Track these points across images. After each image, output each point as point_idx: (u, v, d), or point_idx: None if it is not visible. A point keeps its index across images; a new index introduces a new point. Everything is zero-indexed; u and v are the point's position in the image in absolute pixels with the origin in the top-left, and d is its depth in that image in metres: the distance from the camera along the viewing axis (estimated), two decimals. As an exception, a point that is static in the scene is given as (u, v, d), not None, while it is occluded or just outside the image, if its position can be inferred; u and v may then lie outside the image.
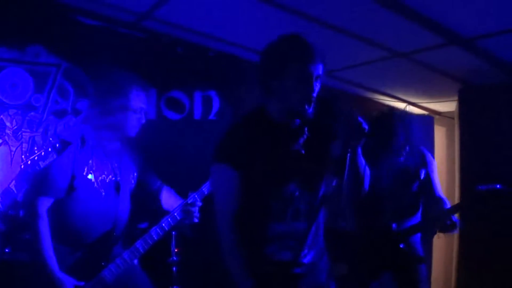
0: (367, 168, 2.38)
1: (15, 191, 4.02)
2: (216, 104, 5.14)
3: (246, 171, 2.23)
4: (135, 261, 3.47)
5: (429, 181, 3.77)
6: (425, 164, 3.78)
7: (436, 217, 3.54)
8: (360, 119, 2.22)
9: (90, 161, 2.96)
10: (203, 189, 3.22)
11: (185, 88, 4.97)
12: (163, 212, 3.30)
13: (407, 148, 3.72)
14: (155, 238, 3.11)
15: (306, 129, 2.32)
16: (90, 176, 2.94)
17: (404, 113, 3.90)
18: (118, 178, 3.07)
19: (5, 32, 4.09)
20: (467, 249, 5.15)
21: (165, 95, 4.87)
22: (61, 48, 4.32)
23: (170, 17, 4.34)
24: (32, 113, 4.28)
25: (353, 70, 5.19)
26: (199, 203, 3.20)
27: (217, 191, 2.32)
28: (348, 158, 2.23)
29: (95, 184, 2.97)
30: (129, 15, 4.39)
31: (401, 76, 5.24)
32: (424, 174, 3.77)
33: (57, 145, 2.84)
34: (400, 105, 6.15)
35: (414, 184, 3.75)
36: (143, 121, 3.18)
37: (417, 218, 3.80)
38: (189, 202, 3.18)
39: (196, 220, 3.19)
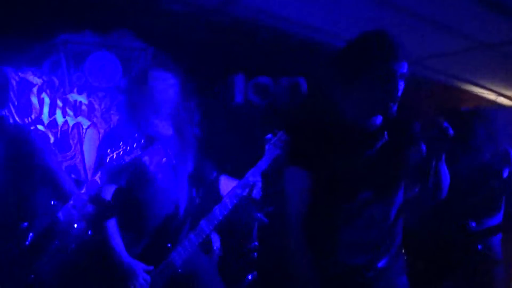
0: (447, 174, 2.27)
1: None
2: (303, 91, 5.06)
3: (318, 172, 2.14)
4: (215, 247, 3.43)
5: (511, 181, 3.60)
6: (509, 162, 3.60)
7: None
8: (445, 124, 2.11)
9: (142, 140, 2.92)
10: (260, 165, 3.11)
11: (272, 74, 4.91)
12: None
13: (490, 146, 3.58)
14: (220, 217, 2.99)
15: (386, 132, 2.20)
16: (145, 159, 2.90)
17: (486, 111, 3.76)
18: (174, 162, 3.02)
19: (91, 16, 4.15)
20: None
21: (252, 80, 4.84)
22: (147, 33, 4.37)
23: (253, 2, 4.30)
24: (121, 96, 4.35)
25: (442, 60, 5.01)
26: (258, 180, 3.11)
27: (289, 190, 2.25)
28: (433, 165, 2.13)
29: (151, 167, 2.92)
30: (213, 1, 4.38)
31: (490, 67, 5.02)
32: (508, 173, 3.59)
33: (142, 141, 2.80)
34: (491, 96, 5.94)
35: (496, 183, 3.59)
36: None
37: (498, 218, 3.62)
38: (248, 179, 3.09)
39: (257, 196, 3.10)
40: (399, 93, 2.11)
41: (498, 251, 3.61)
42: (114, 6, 4.18)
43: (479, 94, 5.88)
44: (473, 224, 3.51)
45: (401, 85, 2.11)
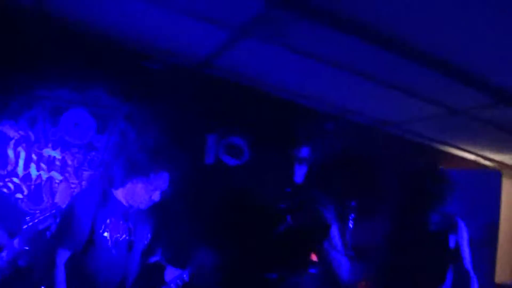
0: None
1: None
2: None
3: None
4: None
5: (458, 251, 3.54)
6: (457, 231, 3.56)
7: None
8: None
9: (108, 220, 3.05)
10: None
11: (245, 134, 5.00)
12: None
13: (439, 213, 3.55)
14: None
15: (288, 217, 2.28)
16: (106, 234, 3.01)
17: (444, 174, 3.70)
18: (132, 238, 3.13)
19: (68, 74, 4.30)
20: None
21: (224, 140, 4.93)
22: (123, 91, 4.49)
23: (230, 65, 4.42)
24: (93, 153, 4.47)
25: (420, 124, 5.10)
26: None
27: None
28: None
29: (109, 243, 3.03)
30: (190, 62, 4.50)
31: (463, 131, 5.07)
32: (454, 243, 3.55)
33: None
34: (469, 156, 5.97)
35: (442, 251, 3.55)
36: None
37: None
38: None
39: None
40: (299, 177, 2.19)
41: None
42: (92, 64, 4.33)
43: (460, 155, 5.93)
44: None
45: (301, 169, 2.20)
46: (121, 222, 3.12)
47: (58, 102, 4.39)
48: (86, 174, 4.42)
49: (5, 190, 4.21)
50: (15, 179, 4.27)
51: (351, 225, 3.74)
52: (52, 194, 4.34)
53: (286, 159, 4.33)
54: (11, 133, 4.29)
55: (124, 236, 3.10)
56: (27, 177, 4.32)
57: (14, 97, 4.28)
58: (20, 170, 4.29)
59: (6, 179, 4.23)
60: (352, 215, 3.78)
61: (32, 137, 4.34)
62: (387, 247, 3.50)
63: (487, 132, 4.94)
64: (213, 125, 4.83)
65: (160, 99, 4.50)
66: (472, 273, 3.52)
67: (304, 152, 2.24)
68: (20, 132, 4.32)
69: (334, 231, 2.54)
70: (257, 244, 2.26)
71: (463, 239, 3.57)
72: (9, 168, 4.28)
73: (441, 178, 3.61)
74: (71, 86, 4.41)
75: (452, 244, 3.54)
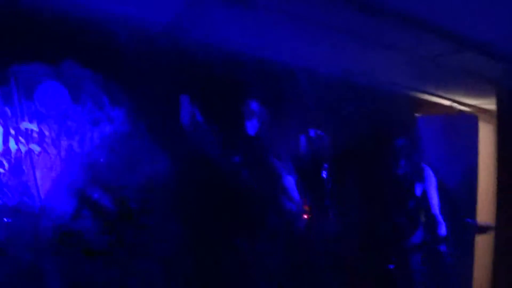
0: None
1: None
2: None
3: None
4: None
5: (426, 198, 3.61)
6: (423, 180, 3.61)
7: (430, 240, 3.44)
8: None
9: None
10: None
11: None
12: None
13: (403, 162, 3.60)
14: None
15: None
16: None
17: (401, 124, 3.74)
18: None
19: (39, 48, 4.39)
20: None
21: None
22: (94, 62, 4.58)
23: (196, 28, 4.50)
24: (69, 123, 4.59)
25: (390, 72, 5.16)
26: None
27: None
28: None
29: None
30: (158, 28, 4.58)
31: (433, 77, 5.14)
32: (421, 191, 3.61)
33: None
34: (445, 103, 6.03)
35: (409, 200, 3.61)
36: None
37: (417, 237, 3.63)
38: None
39: None
40: (251, 130, 2.27)
41: (415, 270, 3.65)
42: (62, 36, 4.42)
43: (436, 102, 5.99)
44: (389, 244, 3.53)
45: (252, 123, 2.28)
46: None
47: (31, 76, 4.49)
48: (64, 143, 4.55)
49: (-15, 165, 4.36)
50: (-6, 155, 4.42)
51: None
52: (33, 165, 4.48)
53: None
54: (-13, 110, 4.42)
55: None
56: (6, 151, 4.44)
57: (-14, 73, 4.41)
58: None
59: (-16, 155, 4.38)
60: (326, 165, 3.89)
61: (9, 112, 4.46)
62: (356, 199, 3.59)
63: (458, 78, 5.01)
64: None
65: (131, 66, 4.59)
66: (439, 218, 3.57)
67: (254, 106, 2.30)
68: (-4, 107, 4.45)
69: (290, 183, 2.62)
70: (216, 205, 2.35)
71: (430, 186, 3.63)
72: (-14, 144, 4.42)
73: (406, 126, 3.68)
74: (43, 60, 4.51)
75: (419, 192, 3.59)
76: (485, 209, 5.77)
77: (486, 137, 5.97)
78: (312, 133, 4.44)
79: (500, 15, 3.43)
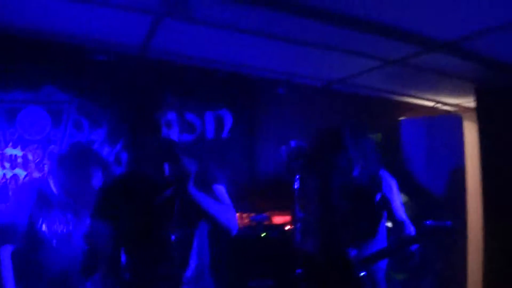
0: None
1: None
2: (228, 122, 5.38)
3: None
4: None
5: (387, 203, 3.54)
6: (381, 186, 3.55)
7: (396, 245, 3.41)
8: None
9: (44, 212, 3.19)
10: None
11: (196, 110, 5.22)
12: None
13: (358, 168, 3.52)
14: None
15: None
16: (43, 227, 3.17)
17: (355, 129, 3.67)
18: (71, 229, 3.28)
19: (19, 76, 4.55)
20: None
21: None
22: (72, 85, 4.73)
23: (167, 46, 4.60)
24: (52, 146, 4.74)
25: (364, 78, 5.20)
26: None
27: None
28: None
29: (47, 234, 3.18)
30: (131, 49, 4.69)
31: (411, 80, 5.17)
32: (380, 197, 3.54)
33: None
34: (428, 104, 6.05)
35: (368, 207, 3.56)
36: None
37: (380, 243, 3.59)
38: None
39: None
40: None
41: (381, 278, 3.59)
42: (40, 64, 4.58)
43: (418, 104, 6.02)
44: (353, 252, 3.39)
45: (172, 132, 2.36)
46: (59, 213, 3.26)
47: (12, 103, 4.65)
48: (47, 167, 4.69)
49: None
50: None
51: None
52: (18, 190, 4.62)
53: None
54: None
55: (62, 227, 3.26)
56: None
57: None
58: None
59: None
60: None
61: (-8, 140, 4.63)
62: (318, 204, 3.61)
63: (433, 78, 5.03)
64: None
65: (108, 88, 4.72)
66: (406, 222, 3.52)
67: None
68: (-20, 136, 4.61)
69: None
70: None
71: (390, 191, 3.56)
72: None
73: (358, 133, 3.62)
74: (23, 87, 4.67)
75: (377, 198, 3.55)
76: (474, 209, 5.77)
77: (472, 136, 5.97)
78: (292, 143, 4.49)
79: (464, 13, 3.46)
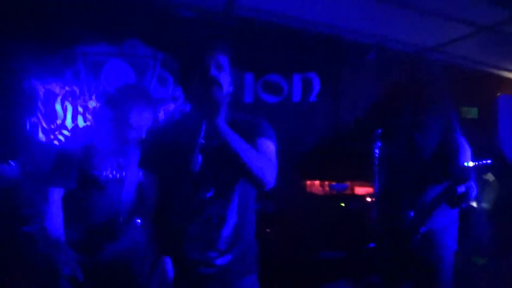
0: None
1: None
2: (316, 86, 5.17)
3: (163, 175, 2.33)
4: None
5: (453, 148, 3.28)
6: (455, 152, 3.30)
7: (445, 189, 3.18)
8: None
9: (96, 157, 3.06)
10: None
11: (283, 71, 5.04)
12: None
13: (425, 133, 3.30)
14: None
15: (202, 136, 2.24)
16: (96, 172, 3.05)
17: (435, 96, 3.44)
18: (123, 174, 3.17)
19: (105, 28, 4.51)
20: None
21: (261, 78, 5.01)
22: (157, 40, 4.64)
23: (252, 3, 4.44)
24: (134, 101, 4.68)
25: (459, 46, 4.88)
26: None
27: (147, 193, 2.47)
28: None
29: (99, 180, 3.06)
30: (217, 5, 4.56)
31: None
32: (448, 139, 3.30)
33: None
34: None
35: (436, 172, 3.32)
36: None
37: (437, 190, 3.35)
38: None
39: None
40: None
41: (447, 257, 3.36)
42: (125, 15, 4.52)
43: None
44: (411, 213, 3.33)
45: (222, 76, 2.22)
46: (112, 158, 3.15)
47: (97, 56, 4.62)
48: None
49: (56, 142, 4.54)
50: (65, 132, 4.59)
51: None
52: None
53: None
54: (57, 89, 4.60)
55: (115, 172, 3.15)
56: (75, 128, 4.62)
57: (56, 54, 4.58)
58: (68, 123, 4.60)
59: (56, 132, 4.56)
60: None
61: (77, 91, 4.62)
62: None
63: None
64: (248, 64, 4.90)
65: (192, 45, 4.60)
66: (468, 168, 3.27)
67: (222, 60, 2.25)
68: (66, 87, 4.61)
69: None
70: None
71: (463, 157, 3.34)
72: (59, 121, 4.60)
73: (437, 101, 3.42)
74: (108, 40, 4.63)
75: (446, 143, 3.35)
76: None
77: None
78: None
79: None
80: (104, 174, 3.10)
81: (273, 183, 2.21)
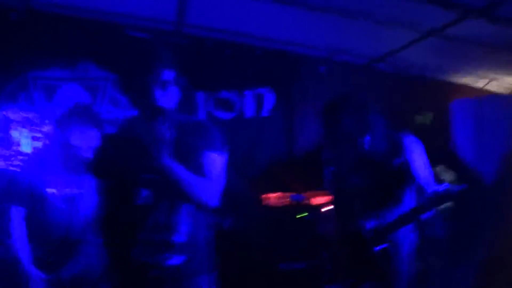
0: None
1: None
2: (268, 101, 5.25)
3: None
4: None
5: (408, 169, 3.27)
6: (401, 152, 3.29)
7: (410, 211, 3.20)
8: None
9: (52, 176, 3.16)
10: None
11: (235, 88, 5.13)
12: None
13: (368, 137, 3.29)
14: None
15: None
16: (50, 190, 3.13)
17: (357, 98, 3.41)
18: (75, 192, 3.21)
19: (57, 52, 4.55)
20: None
21: (214, 96, 5.10)
22: (109, 62, 4.70)
23: (203, 21, 4.53)
24: (89, 124, 4.71)
25: (405, 53, 4.99)
26: None
27: None
28: None
29: (52, 198, 3.13)
30: (168, 25, 4.63)
31: (454, 54, 4.93)
32: (399, 163, 3.28)
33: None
34: (478, 84, 5.78)
35: (384, 175, 3.31)
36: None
37: (400, 210, 3.35)
38: None
39: None
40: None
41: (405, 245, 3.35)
42: (77, 42, 4.57)
43: (468, 84, 5.74)
44: (370, 224, 3.26)
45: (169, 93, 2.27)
46: (63, 177, 3.21)
47: (50, 80, 4.67)
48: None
49: (11, 168, 4.54)
50: (20, 157, 4.60)
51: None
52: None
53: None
54: (12, 115, 4.62)
55: (68, 190, 3.21)
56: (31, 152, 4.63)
57: (10, 81, 4.62)
58: (24, 148, 4.62)
59: (12, 158, 4.57)
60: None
61: (32, 116, 4.65)
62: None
63: (480, 53, 4.77)
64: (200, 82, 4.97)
65: (145, 65, 4.65)
66: (426, 186, 3.28)
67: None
68: (21, 113, 4.63)
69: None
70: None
71: (412, 157, 3.33)
72: (15, 147, 4.61)
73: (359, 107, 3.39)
74: (61, 65, 4.68)
75: (395, 165, 3.32)
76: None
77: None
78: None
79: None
80: (56, 192, 3.16)
81: (217, 202, 2.33)
